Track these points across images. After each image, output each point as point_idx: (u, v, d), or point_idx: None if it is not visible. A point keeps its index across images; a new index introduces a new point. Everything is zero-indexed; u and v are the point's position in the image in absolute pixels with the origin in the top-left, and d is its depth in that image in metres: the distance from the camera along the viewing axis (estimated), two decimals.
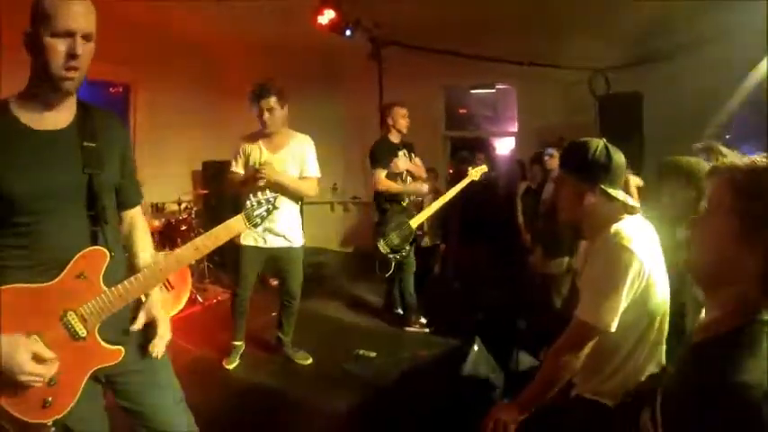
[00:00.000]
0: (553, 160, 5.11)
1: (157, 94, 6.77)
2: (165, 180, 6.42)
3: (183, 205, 5.96)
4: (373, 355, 4.40)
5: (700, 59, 5.50)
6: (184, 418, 1.97)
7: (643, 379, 1.94)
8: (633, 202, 2.04)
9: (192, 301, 5.55)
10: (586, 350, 1.93)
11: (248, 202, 1.90)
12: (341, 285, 6.58)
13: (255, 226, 1.91)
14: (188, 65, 7.11)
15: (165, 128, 6.73)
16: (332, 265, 7.42)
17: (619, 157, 2.03)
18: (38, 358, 1.56)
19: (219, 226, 1.84)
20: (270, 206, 1.93)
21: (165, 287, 4.94)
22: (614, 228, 1.97)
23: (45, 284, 1.62)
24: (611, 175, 2.01)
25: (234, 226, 1.86)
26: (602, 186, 1.99)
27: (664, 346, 2.03)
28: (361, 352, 4.42)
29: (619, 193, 2.01)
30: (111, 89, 6.77)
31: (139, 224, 2.00)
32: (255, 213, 1.90)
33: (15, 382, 1.57)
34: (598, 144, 2.02)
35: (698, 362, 1.28)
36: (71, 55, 1.56)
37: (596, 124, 6.23)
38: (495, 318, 4.58)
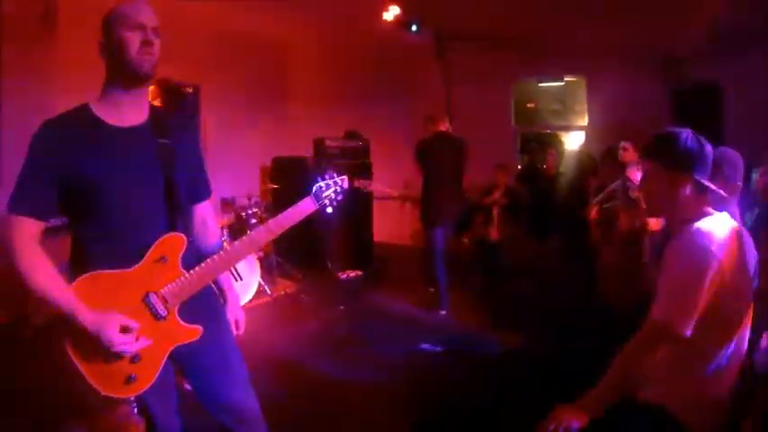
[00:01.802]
0: (627, 153, 4.93)
1: (226, 93, 6.98)
2: (235, 176, 6.62)
3: (253, 200, 6.11)
4: (439, 349, 4.38)
5: None
6: (252, 398, 2.03)
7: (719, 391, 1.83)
8: (724, 194, 1.94)
9: (260, 293, 5.68)
10: (658, 352, 1.83)
11: (316, 185, 1.98)
12: (411, 280, 6.57)
13: (324, 206, 1.98)
14: (255, 65, 7.29)
15: (234, 125, 6.94)
16: (402, 259, 7.43)
17: (708, 147, 1.93)
18: (124, 329, 1.66)
19: (290, 208, 1.92)
20: (337, 187, 2.00)
21: (234, 278, 5.08)
22: (697, 225, 1.87)
23: (128, 269, 1.72)
24: (704, 164, 1.91)
25: (304, 207, 1.94)
26: (696, 177, 1.89)
27: (743, 357, 1.90)
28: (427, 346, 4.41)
29: (711, 185, 1.91)
30: (181, 90, 7.01)
31: (209, 217, 2.10)
32: (324, 195, 1.98)
33: (102, 359, 1.68)
34: (687, 132, 1.93)
35: None
36: (145, 42, 1.69)
37: (670, 118, 6.00)
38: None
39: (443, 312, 5.24)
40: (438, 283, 5.34)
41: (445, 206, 5.29)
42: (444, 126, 5.41)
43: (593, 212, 5.11)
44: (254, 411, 2.02)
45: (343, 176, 2.04)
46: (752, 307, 1.90)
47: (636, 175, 4.02)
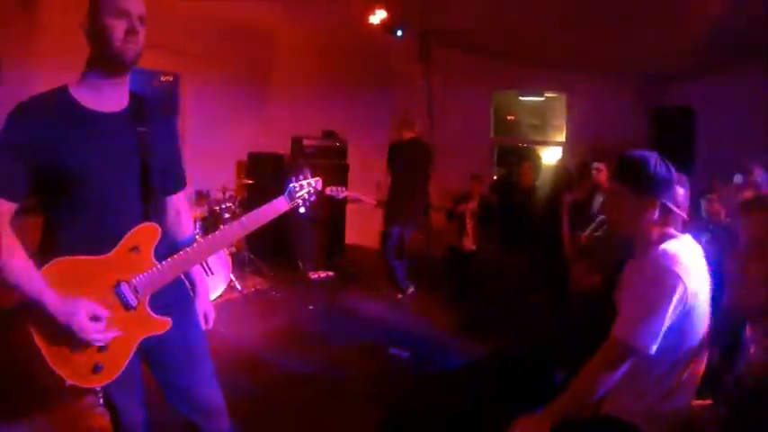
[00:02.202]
0: (601, 174, 5.01)
1: (206, 84, 6.89)
2: (210, 168, 6.54)
3: (228, 194, 6.06)
4: (406, 355, 4.39)
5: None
6: (217, 393, 2.01)
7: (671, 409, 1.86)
8: (686, 217, 1.99)
9: (230, 288, 5.63)
10: (621, 370, 1.85)
11: (290, 185, 2.00)
12: (379, 283, 6.57)
13: (297, 206, 2.01)
14: (237, 56, 7.21)
15: (212, 117, 6.84)
16: (373, 263, 7.41)
17: (673, 171, 1.97)
18: (94, 317, 1.63)
19: (264, 205, 1.94)
20: (311, 188, 2.03)
21: (205, 272, 5.03)
22: (663, 247, 1.90)
23: (100, 257, 1.69)
24: (670, 188, 1.95)
25: (277, 205, 1.96)
26: (664, 201, 1.93)
27: (698, 379, 1.94)
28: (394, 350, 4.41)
29: (677, 210, 1.95)
30: (161, 78, 6.91)
31: (183, 209, 2.08)
32: (298, 195, 2.01)
33: (69, 347, 1.64)
34: (654, 156, 1.96)
35: None
36: (130, 31, 1.66)
37: (647, 137, 6.12)
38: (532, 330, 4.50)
39: (400, 296, 5.79)
40: (396, 273, 5.80)
41: (406, 208, 5.73)
42: (416, 132, 5.76)
43: (583, 239, 5.18)
44: (219, 405, 2.00)
45: (318, 178, 2.07)
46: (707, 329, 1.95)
47: None
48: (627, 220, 2.03)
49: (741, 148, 4.98)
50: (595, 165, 5.14)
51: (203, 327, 2.07)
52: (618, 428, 1.91)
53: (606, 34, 6.02)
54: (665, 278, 1.82)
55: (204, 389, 1.97)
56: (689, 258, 1.89)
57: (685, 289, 1.81)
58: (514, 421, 1.91)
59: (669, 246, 1.90)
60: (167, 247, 1.85)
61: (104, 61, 1.69)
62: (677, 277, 1.81)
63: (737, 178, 3.02)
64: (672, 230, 1.97)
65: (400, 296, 5.84)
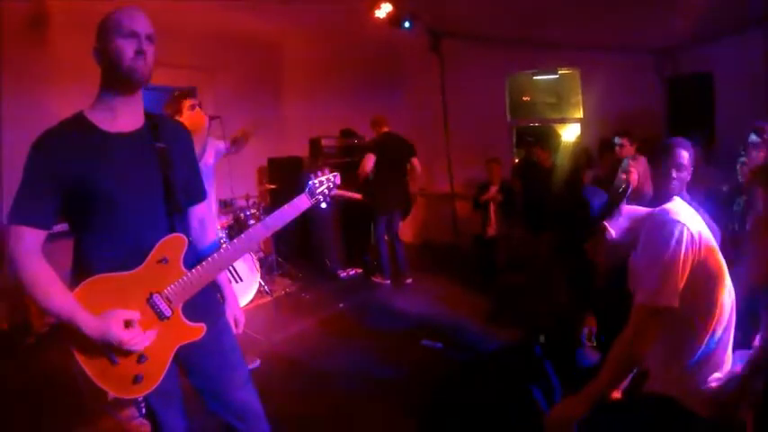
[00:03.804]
0: (624, 149, 4.93)
1: (222, 94, 6.94)
2: (232, 178, 6.61)
3: (251, 200, 6.13)
4: (439, 346, 4.42)
5: None
6: (254, 396, 2.05)
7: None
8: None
9: (260, 293, 5.70)
10: (653, 335, 1.86)
11: (310, 182, 2.02)
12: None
13: (318, 202, 2.02)
14: (250, 65, 7.28)
15: (230, 127, 6.90)
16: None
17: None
18: (127, 323, 1.68)
19: (285, 205, 1.96)
20: (330, 183, 2.04)
21: (234, 279, 5.10)
22: (660, 207, 2.02)
23: (131, 271, 1.74)
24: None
25: (299, 203, 1.98)
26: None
27: (728, 344, 1.95)
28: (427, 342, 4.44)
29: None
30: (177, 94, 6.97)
31: (207, 217, 2.14)
32: (318, 191, 2.01)
33: (108, 361, 1.70)
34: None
35: None
36: (138, 51, 1.71)
37: (665, 107, 6.01)
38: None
39: (388, 282, 6.29)
40: (381, 258, 6.31)
41: (390, 197, 6.31)
42: (387, 127, 6.30)
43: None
44: (256, 408, 2.05)
45: (336, 173, 2.09)
46: (729, 293, 1.95)
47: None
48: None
49: (761, 109, 4.89)
50: (618, 140, 5.05)
51: (234, 331, 2.12)
52: (656, 404, 1.91)
53: (615, 8, 5.94)
54: (669, 229, 1.89)
55: (241, 393, 2.01)
56: (688, 211, 1.99)
57: (690, 232, 1.87)
58: (554, 406, 1.93)
59: (666, 205, 2.03)
60: (195, 256, 1.89)
61: (116, 82, 1.74)
62: (681, 224, 1.88)
63: (752, 137, 2.96)
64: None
65: (378, 280, 6.35)
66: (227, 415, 2.00)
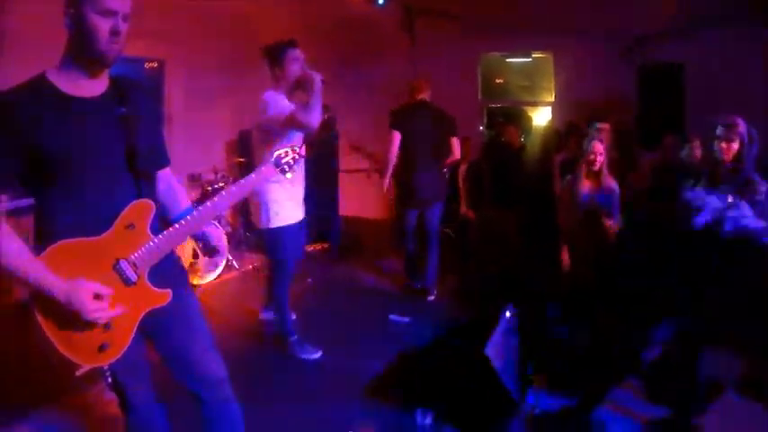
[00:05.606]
0: (603, 133, 4.97)
1: (191, 67, 6.80)
2: (200, 151, 6.53)
3: (220, 174, 6.05)
4: (406, 321, 4.46)
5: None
6: (219, 363, 2.04)
7: None
8: None
9: (228, 267, 5.67)
10: None
11: (276, 152, 2.02)
12: (377, 254, 6.62)
13: (283, 172, 2.02)
14: (221, 39, 7.10)
15: (199, 100, 6.78)
16: (368, 233, 7.45)
17: None
18: (97, 296, 1.65)
19: (251, 173, 1.97)
20: (295, 154, 2.04)
21: (201, 254, 5.03)
22: None
23: (97, 237, 1.71)
24: None
25: (264, 172, 1.98)
26: None
27: None
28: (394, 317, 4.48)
29: None
30: (146, 64, 6.81)
31: (173, 181, 2.12)
32: (283, 161, 2.02)
33: (73, 328, 1.67)
34: None
35: None
36: (114, 32, 1.65)
37: (636, 95, 6.10)
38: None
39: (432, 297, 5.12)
40: (407, 260, 5.31)
41: (423, 186, 4.92)
42: (425, 95, 4.99)
43: (557, 189, 5.19)
44: (221, 375, 2.04)
45: (302, 144, 2.08)
46: None
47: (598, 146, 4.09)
48: None
49: (731, 101, 5.01)
50: (598, 125, 5.06)
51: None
52: None
53: None
54: None
55: (206, 359, 2.00)
56: None
57: None
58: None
59: None
60: (161, 222, 1.88)
61: (85, 58, 1.69)
62: None
63: (720, 131, 3.05)
64: None
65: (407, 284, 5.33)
66: (192, 383, 1.99)
